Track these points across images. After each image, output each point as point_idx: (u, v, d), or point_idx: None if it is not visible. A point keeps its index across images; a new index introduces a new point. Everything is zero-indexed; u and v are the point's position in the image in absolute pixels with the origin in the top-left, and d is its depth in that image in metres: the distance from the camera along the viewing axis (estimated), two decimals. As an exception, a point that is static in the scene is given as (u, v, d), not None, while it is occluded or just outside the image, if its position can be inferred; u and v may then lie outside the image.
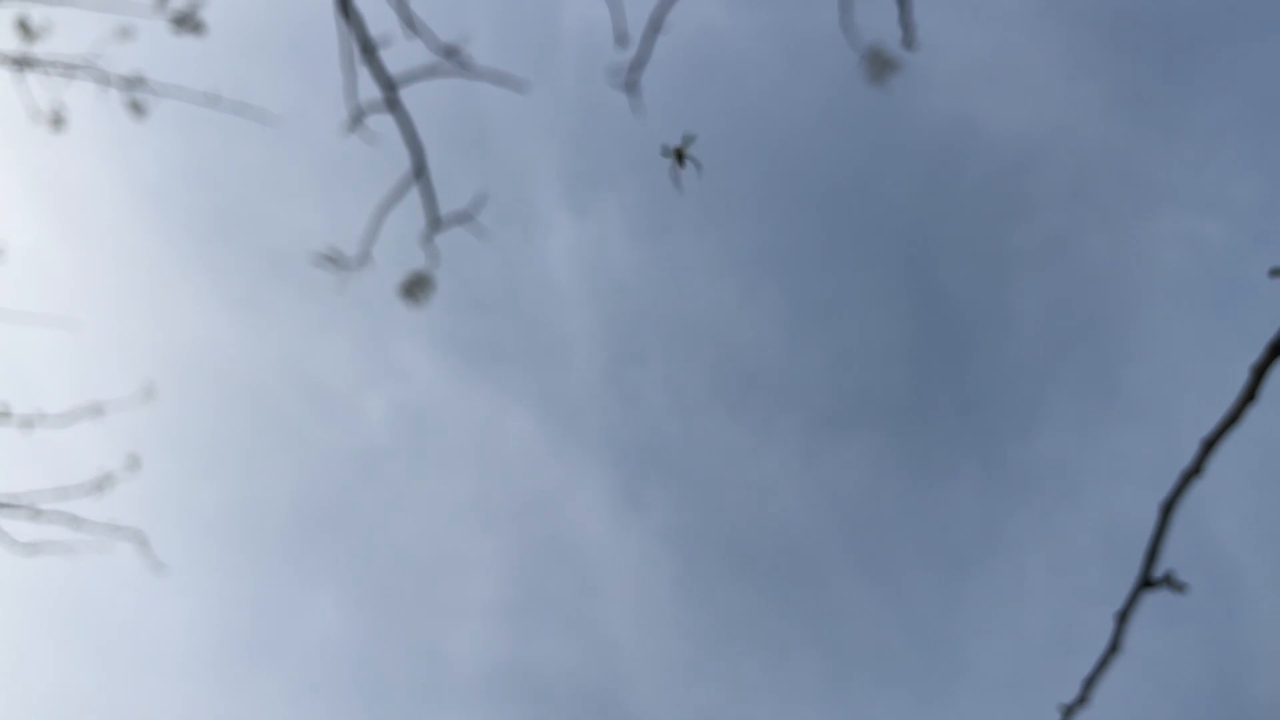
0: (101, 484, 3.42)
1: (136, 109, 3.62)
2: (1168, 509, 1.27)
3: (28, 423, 3.41)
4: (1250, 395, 1.27)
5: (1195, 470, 1.28)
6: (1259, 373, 1.25)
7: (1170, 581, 1.31)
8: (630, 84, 2.84)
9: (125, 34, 3.59)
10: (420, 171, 3.04)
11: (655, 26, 2.74)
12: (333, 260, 3.15)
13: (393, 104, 2.94)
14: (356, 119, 2.96)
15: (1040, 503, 5.10)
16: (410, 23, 2.75)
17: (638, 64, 2.81)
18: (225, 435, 5.11)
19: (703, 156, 2.92)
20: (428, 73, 2.93)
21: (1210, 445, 1.27)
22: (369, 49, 2.85)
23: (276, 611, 5.34)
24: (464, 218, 3.15)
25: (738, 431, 5.33)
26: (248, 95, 3.39)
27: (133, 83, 3.57)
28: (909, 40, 2.06)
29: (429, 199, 3.09)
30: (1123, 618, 1.32)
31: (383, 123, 2.99)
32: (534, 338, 5.01)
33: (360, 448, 5.42)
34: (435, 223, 3.12)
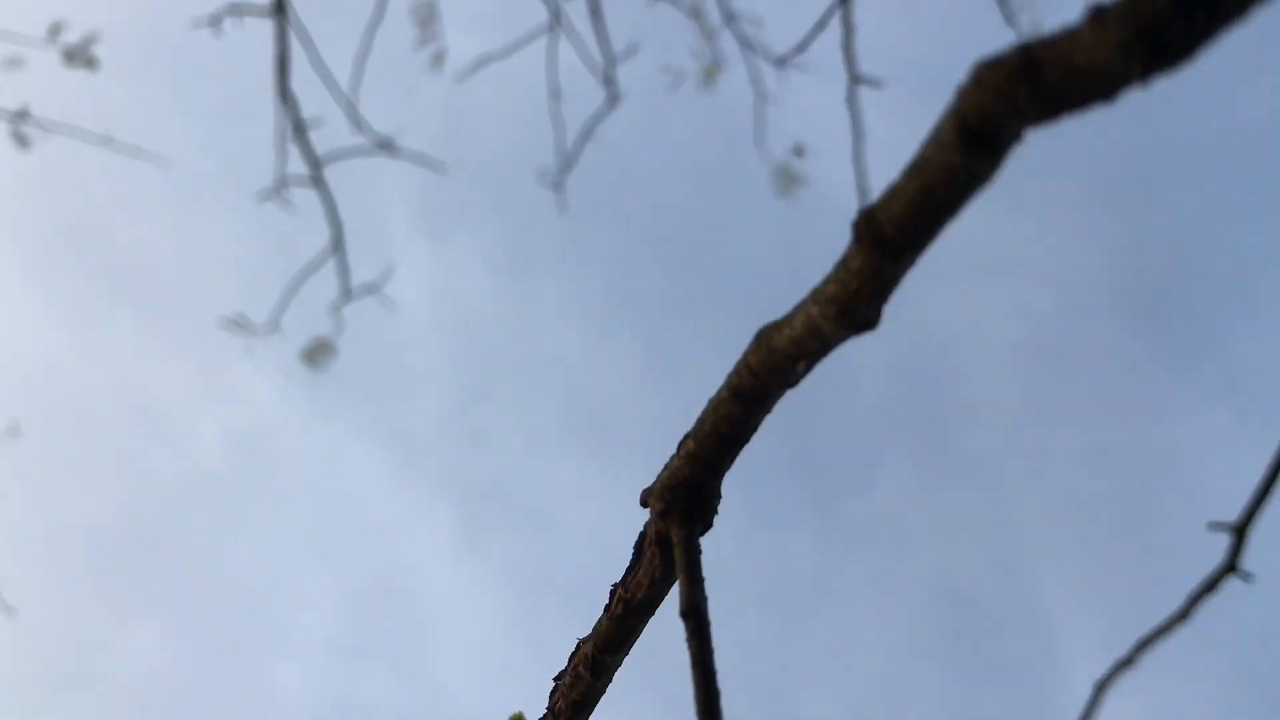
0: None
1: (21, 141, 3.71)
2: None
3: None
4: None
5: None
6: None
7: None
8: (558, 184, 3.15)
9: (14, 64, 3.66)
10: (338, 245, 3.27)
11: (586, 135, 3.05)
12: (240, 325, 3.34)
13: (318, 181, 3.16)
14: (279, 188, 3.17)
15: (872, 556, 5.59)
16: (356, 121, 2.98)
17: (566, 166, 3.12)
18: (48, 456, 5.15)
19: (574, 199, 3.18)
20: (352, 153, 3.16)
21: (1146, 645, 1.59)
22: (300, 129, 3.06)
23: (96, 642, 5.40)
24: (372, 289, 3.40)
25: (587, 475, 5.66)
26: (155, 138, 3.52)
27: (19, 115, 3.65)
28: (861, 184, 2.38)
29: (343, 271, 3.32)
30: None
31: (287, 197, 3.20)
32: (382, 370, 5.22)
33: (192, 473, 5.52)
34: (347, 293, 3.35)
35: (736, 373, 0.56)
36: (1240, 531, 1.47)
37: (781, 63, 2.24)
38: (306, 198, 3.21)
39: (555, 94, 2.85)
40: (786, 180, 3.18)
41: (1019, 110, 0.41)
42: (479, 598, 5.64)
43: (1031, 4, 2.83)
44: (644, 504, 0.61)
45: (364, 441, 5.58)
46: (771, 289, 5.52)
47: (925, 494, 5.64)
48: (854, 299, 0.48)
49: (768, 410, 0.58)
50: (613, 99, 2.99)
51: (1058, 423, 5.55)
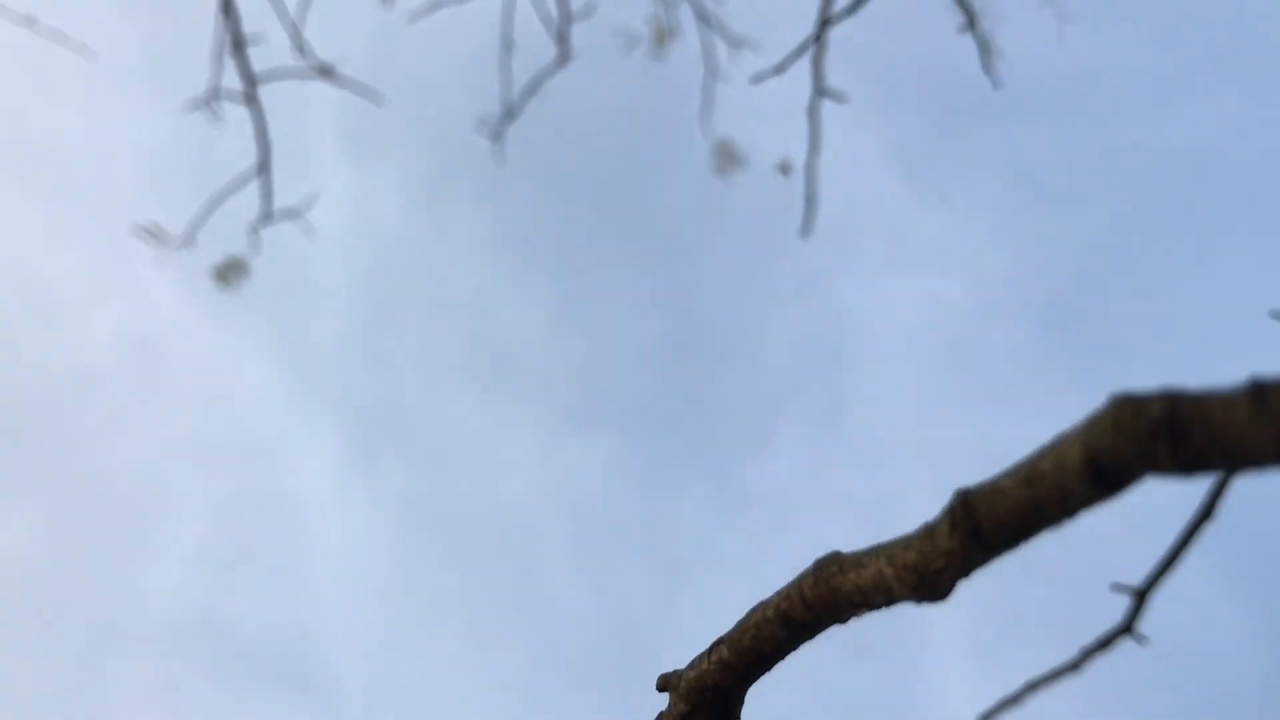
0: None
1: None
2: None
3: None
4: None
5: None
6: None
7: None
8: (497, 134, 3.09)
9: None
10: (264, 166, 3.18)
11: (532, 89, 2.99)
12: (154, 234, 3.25)
13: (251, 99, 3.07)
14: (209, 100, 3.08)
15: (757, 524, 5.67)
16: (299, 44, 2.89)
17: (508, 117, 3.06)
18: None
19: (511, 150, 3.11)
20: (289, 74, 3.07)
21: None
22: (240, 44, 2.96)
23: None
24: (294, 213, 3.32)
25: (483, 413, 5.64)
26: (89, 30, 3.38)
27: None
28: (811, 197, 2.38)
29: (267, 192, 3.24)
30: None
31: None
32: (287, 284, 5.12)
33: (78, 365, 5.39)
34: (268, 215, 3.27)
35: (788, 598, 0.55)
36: (1142, 596, 1.52)
37: (758, 80, 2.22)
38: (235, 111, 3.13)
39: (508, 45, 2.79)
40: (726, 159, 3.17)
41: (1155, 464, 0.40)
42: (362, 524, 5.61)
43: (990, 9, 2.84)
44: (661, 689, 0.60)
45: (261, 354, 5.48)
46: (694, 253, 5.51)
47: (816, 467, 5.71)
48: (934, 576, 0.48)
49: (811, 639, 0.57)
50: (564, 56, 2.95)
51: (948, 413, 5.66)
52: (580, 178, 4.79)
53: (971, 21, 2.25)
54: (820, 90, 2.18)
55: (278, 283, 5.08)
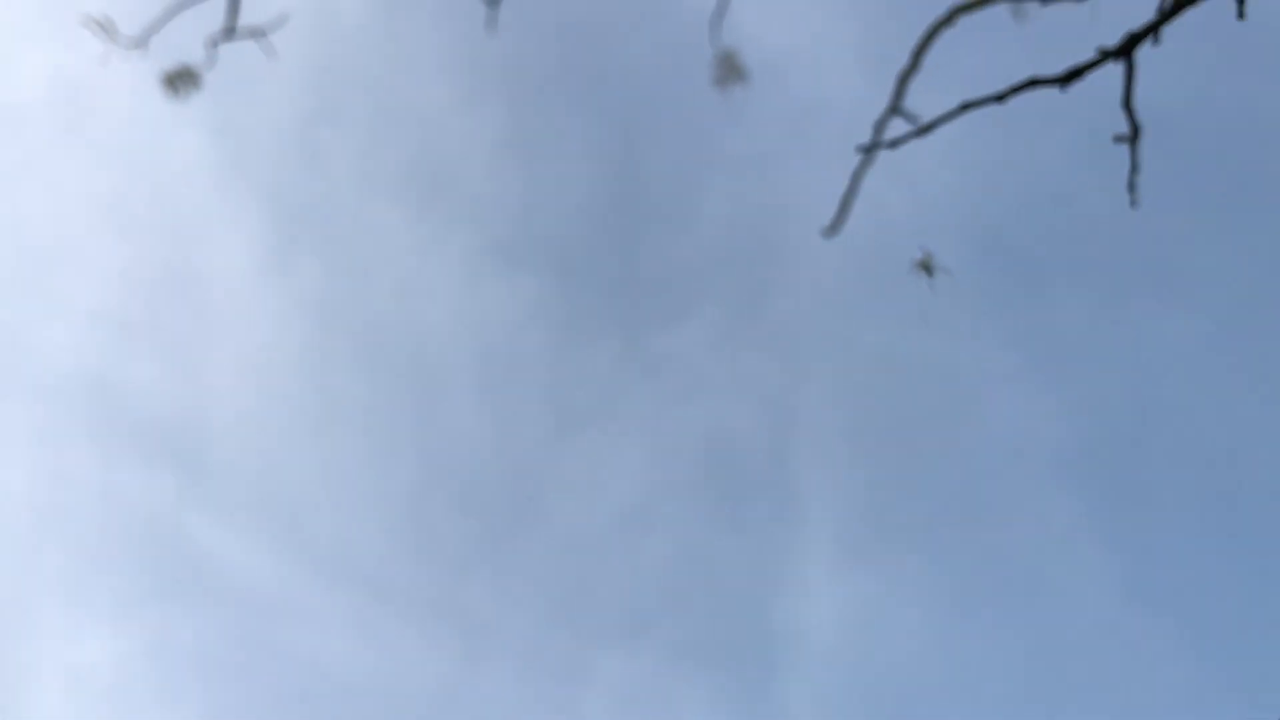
0: None
1: None
2: None
3: None
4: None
5: None
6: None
7: None
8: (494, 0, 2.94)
9: None
10: (234, -21, 3.00)
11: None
12: (105, 29, 3.06)
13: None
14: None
15: (659, 392, 5.68)
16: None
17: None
18: None
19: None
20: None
21: None
22: None
23: None
24: (257, 33, 3.15)
25: (413, 230, 5.51)
26: None
27: None
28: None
29: (234, 8, 3.06)
30: None
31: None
32: (234, 63, 4.89)
33: (6, 101, 5.14)
34: (230, 31, 3.10)
35: None
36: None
37: (861, 150, 2.11)
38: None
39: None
40: (729, 71, 3.05)
41: None
42: (272, 317, 5.51)
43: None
44: None
45: (197, 127, 5.27)
46: (651, 113, 5.37)
47: (728, 348, 5.71)
48: None
49: None
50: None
51: (863, 319, 5.67)
52: (560, 24, 4.60)
53: (1135, 135, 2.18)
54: (896, 108, 2.12)
55: (224, 60, 4.83)
